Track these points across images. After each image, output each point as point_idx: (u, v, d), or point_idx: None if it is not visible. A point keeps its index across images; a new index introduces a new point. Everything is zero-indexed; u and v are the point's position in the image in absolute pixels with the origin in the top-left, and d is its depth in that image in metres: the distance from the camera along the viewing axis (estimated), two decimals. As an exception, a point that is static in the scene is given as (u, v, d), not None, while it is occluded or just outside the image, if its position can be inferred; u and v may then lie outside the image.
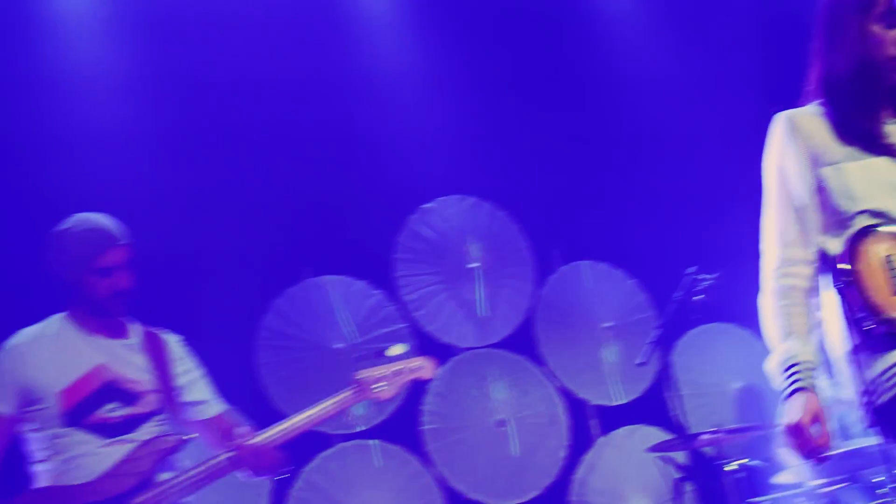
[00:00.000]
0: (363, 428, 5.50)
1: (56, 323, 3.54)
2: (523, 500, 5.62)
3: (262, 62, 5.65)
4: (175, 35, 5.62)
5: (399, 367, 3.71)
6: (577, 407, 5.85)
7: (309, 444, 5.39)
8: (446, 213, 5.85)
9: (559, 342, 5.82)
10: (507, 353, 5.77)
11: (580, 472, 5.70)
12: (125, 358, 3.52)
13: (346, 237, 5.83)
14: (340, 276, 5.66)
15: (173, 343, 3.67)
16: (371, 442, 5.49)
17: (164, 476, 3.39)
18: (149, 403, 3.46)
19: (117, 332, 3.56)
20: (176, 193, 5.47)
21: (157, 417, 3.50)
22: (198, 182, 5.53)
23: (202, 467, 3.43)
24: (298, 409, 5.06)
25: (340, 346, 5.52)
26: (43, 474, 3.39)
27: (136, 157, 5.41)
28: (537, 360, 5.81)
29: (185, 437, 3.45)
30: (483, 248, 5.84)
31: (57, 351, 3.46)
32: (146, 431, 3.44)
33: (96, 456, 3.33)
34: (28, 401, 3.40)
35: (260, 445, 3.46)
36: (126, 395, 3.44)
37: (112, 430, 3.37)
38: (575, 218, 6.09)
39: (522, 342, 5.80)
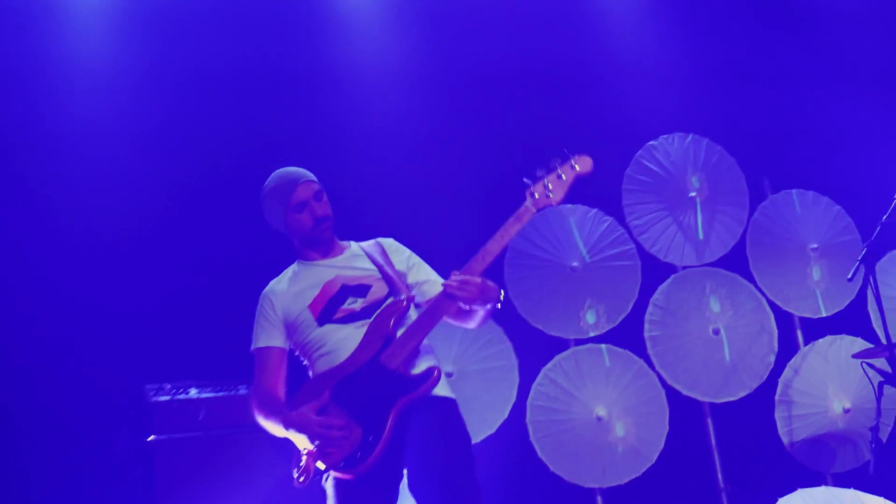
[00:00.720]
0: (595, 334, 5.84)
1: (291, 268, 3.92)
2: (734, 398, 5.84)
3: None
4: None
5: (560, 171, 3.70)
6: (783, 318, 5.99)
7: (548, 347, 5.84)
8: (669, 148, 5.99)
9: (769, 262, 5.95)
10: (722, 270, 5.95)
11: (786, 376, 5.87)
12: (351, 264, 3.78)
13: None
14: (576, 204, 5.94)
15: (388, 243, 3.88)
16: (601, 346, 5.83)
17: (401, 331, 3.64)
18: (380, 290, 3.67)
19: (337, 251, 3.85)
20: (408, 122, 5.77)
21: (390, 299, 3.72)
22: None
23: (424, 312, 3.64)
24: (540, 319, 5.69)
25: (576, 264, 5.86)
26: (315, 368, 3.71)
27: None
28: (749, 277, 5.94)
29: (412, 296, 3.65)
30: (702, 179, 6.00)
31: (297, 282, 3.80)
32: None
33: (349, 339, 3.60)
34: (292, 327, 3.74)
35: (466, 278, 3.55)
36: (360, 290, 3.68)
37: (357, 317, 3.65)
38: (784, 150, 6.29)
39: (736, 262, 5.95)
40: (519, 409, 5.70)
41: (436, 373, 3.50)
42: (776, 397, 5.88)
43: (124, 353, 5.44)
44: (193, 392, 4.92)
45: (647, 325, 5.86)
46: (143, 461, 4.83)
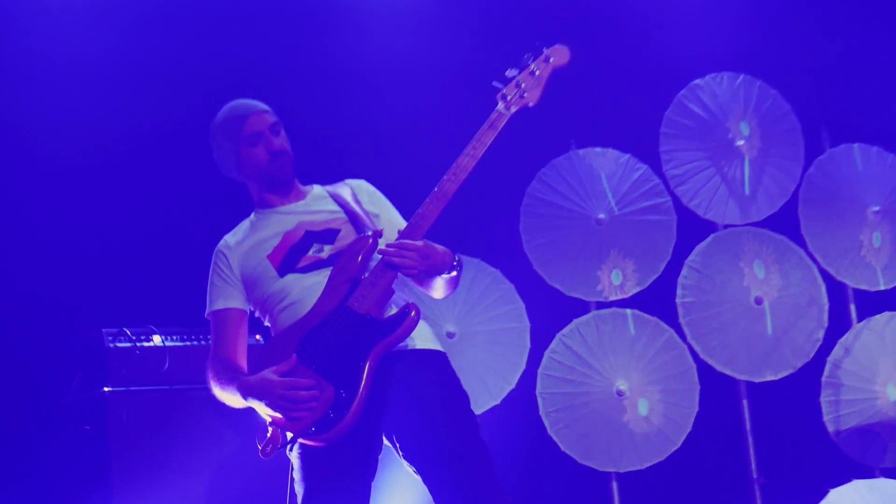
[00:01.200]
0: (620, 297, 5.54)
1: (248, 219, 3.70)
2: (775, 377, 5.52)
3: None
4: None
5: (532, 68, 3.54)
6: (836, 290, 5.69)
7: (566, 310, 5.56)
8: (716, 89, 5.64)
9: (823, 224, 5.65)
10: (769, 232, 5.65)
11: (835, 355, 5.56)
12: (314, 207, 3.61)
13: (611, 109, 5.80)
14: (606, 148, 5.63)
15: (357, 183, 3.71)
16: (626, 311, 5.52)
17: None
18: (349, 234, 3.51)
19: (299, 195, 3.66)
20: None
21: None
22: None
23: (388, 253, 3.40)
24: (557, 277, 5.51)
25: (602, 216, 5.55)
26: (277, 324, 3.52)
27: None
28: (799, 241, 5.65)
29: (379, 230, 3.45)
30: (752, 126, 5.65)
31: (254, 233, 3.60)
32: None
33: (315, 287, 3.41)
34: (250, 282, 3.55)
35: (404, 242, 3.36)
36: (326, 235, 3.52)
37: (323, 264, 3.47)
38: (847, 98, 5.91)
39: (785, 223, 5.67)
40: (528, 379, 5.44)
41: (413, 312, 3.28)
42: (823, 378, 5.54)
43: (79, 293, 5.21)
44: (157, 339, 4.73)
45: (679, 290, 5.51)
46: (97, 415, 4.61)
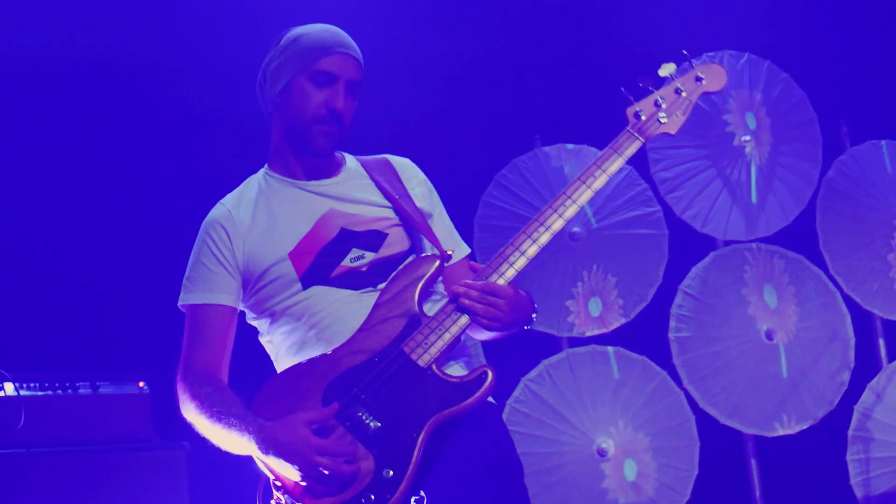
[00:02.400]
0: (599, 332, 5.32)
1: (256, 181, 3.22)
2: (790, 432, 5.27)
3: None
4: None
5: (678, 85, 3.21)
6: (862, 321, 5.47)
7: (532, 348, 5.32)
8: None
9: (847, 239, 5.44)
10: (781, 249, 5.42)
11: (864, 402, 5.30)
12: (353, 193, 3.22)
13: (585, 99, 5.58)
14: (580, 145, 5.36)
15: (401, 163, 3.34)
16: (608, 349, 5.29)
17: (431, 308, 3.08)
18: (399, 242, 3.18)
19: (332, 168, 3.25)
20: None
21: (412, 257, 3.25)
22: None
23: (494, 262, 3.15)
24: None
25: (577, 230, 5.25)
26: (291, 350, 3.18)
27: None
28: (819, 260, 5.42)
29: (447, 252, 3.18)
30: (759, 117, 5.42)
31: (269, 209, 3.17)
32: None
33: (351, 310, 3.09)
34: (257, 281, 3.16)
35: (490, 285, 3.05)
36: (369, 238, 3.17)
37: (362, 280, 3.13)
38: (871, 86, 5.72)
39: (801, 237, 5.44)
40: None
41: (489, 377, 2.97)
42: (850, 432, 5.30)
43: None
44: (9, 388, 4.48)
45: (673, 323, 5.29)
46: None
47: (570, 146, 5.29)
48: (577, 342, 5.27)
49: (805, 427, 5.25)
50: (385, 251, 3.11)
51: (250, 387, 3.13)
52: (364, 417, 2.96)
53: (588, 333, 5.26)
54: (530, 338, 5.26)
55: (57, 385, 4.53)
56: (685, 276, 5.31)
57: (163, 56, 5.34)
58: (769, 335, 5.27)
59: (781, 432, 5.24)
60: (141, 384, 4.48)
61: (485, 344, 5.09)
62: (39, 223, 5.14)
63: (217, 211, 3.20)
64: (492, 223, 5.25)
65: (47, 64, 5.29)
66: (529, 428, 5.12)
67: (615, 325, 5.27)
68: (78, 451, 4.51)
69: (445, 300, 3.05)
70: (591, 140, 5.38)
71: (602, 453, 5.09)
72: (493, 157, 5.36)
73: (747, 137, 5.36)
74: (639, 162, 5.31)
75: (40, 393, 4.50)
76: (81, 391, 4.58)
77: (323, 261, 3.10)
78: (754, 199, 5.40)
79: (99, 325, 4.73)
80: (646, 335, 5.32)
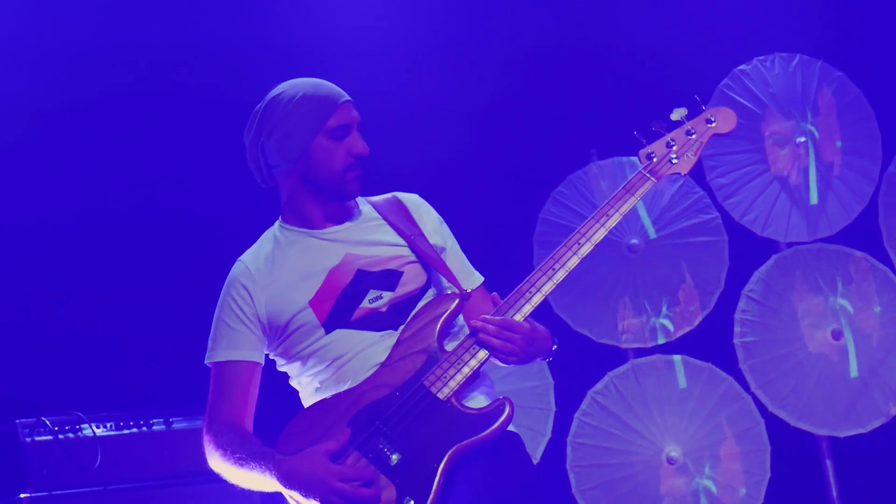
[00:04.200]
0: (663, 341, 5.30)
1: (272, 235, 3.29)
2: (863, 430, 5.18)
3: None
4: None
5: (688, 127, 3.34)
6: None
7: (597, 360, 5.36)
8: (767, 75, 5.35)
9: None
10: (844, 248, 5.32)
11: None
12: (366, 236, 3.30)
13: (638, 111, 5.52)
14: (634, 156, 5.07)
15: (411, 200, 3.42)
16: (674, 357, 5.26)
17: (451, 344, 3.17)
18: (416, 279, 3.26)
19: (345, 214, 3.32)
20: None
21: (431, 291, 3.30)
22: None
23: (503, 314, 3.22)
24: (584, 320, 5.26)
25: (636, 242, 5.26)
26: (315, 389, 3.26)
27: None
28: (883, 257, 5.31)
29: (466, 292, 3.24)
30: (816, 118, 5.33)
31: (286, 262, 3.24)
32: None
33: (372, 349, 3.17)
34: (280, 331, 3.23)
35: (507, 321, 3.12)
36: (385, 278, 3.24)
37: (382, 322, 3.19)
38: None
39: (864, 236, 5.35)
40: (556, 450, 5.27)
41: (508, 408, 3.07)
42: None
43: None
44: (87, 429, 4.54)
45: (737, 328, 5.24)
46: (13, 527, 4.51)
47: (623, 159, 5.29)
48: (641, 352, 5.29)
49: (878, 425, 5.17)
50: (402, 290, 3.20)
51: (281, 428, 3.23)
52: (385, 449, 3.04)
53: (652, 343, 5.29)
54: (595, 351, 5.38)
55: (132, 423, 4.62)
56: (747, 280, 5.28)
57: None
58: (836, 335, 5.19)
59: (855, 431, 5.18)
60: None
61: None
62: (106, 268, 5.22)
63: (236, 269, 3.29)
64: (550, 240, 5.25)
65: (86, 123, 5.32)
66: (598, 440, 5.16)
67: (679, 333, 5.27)
68: (152, 486, 4.60)
69: (464, 334, 3.13)
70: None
71: (672, 461, 5.11)
72: (550, 172, 5.36)
73: (804, 138, 5.30)
74: (695, 170, 5.25)
75: (115, 432, 4.57)
76: (155, 427, 4.68)
77: (343, 304, 3.18)
78: (814, 199, 5.34)
79: (168, 363, 4.83)
80: (711, 341, 5.29)
